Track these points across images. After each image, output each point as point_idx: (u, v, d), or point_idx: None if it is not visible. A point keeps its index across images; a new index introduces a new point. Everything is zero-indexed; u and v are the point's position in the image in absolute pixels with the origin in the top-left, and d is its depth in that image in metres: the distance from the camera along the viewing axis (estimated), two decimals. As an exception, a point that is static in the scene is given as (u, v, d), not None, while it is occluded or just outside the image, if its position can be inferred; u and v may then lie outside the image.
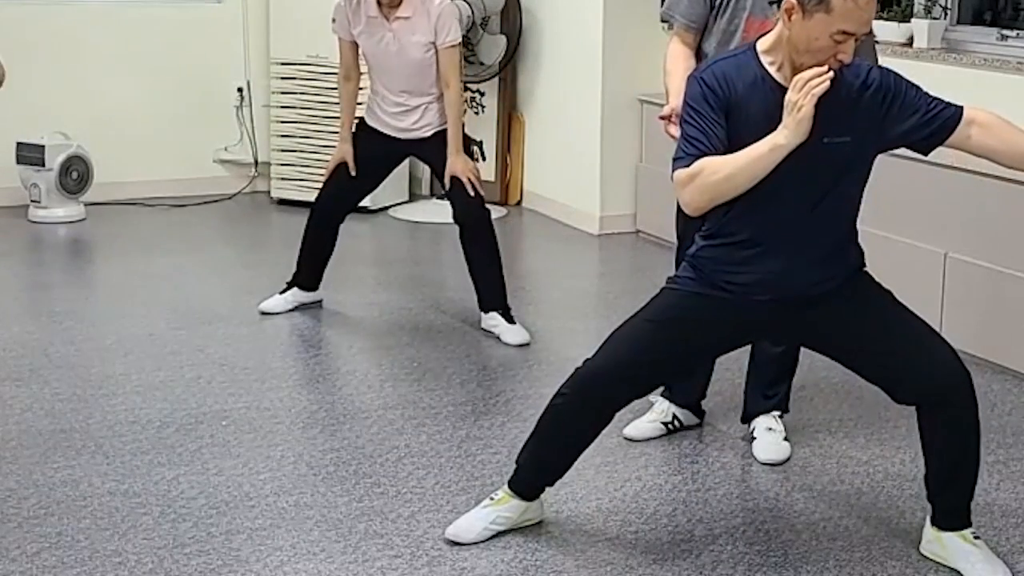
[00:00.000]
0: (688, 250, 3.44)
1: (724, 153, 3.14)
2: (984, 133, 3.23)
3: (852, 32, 3.06)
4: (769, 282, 3.27)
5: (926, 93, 3.26)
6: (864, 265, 3.40)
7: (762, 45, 3.22)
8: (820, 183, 3.20)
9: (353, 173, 5.35)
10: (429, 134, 5.26)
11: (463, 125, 5.34)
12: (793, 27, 3.09)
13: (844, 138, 3.17)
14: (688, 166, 3.15)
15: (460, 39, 5.16)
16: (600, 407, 3.44)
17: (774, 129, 3.09)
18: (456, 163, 5.17)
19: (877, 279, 3.39)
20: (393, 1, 5.11)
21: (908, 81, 3.26)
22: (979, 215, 4.99)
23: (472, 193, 5.18)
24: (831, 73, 3.05)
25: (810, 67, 3.08)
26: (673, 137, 4.01)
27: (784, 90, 3.11)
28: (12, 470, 3.96)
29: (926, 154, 3.32)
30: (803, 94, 3.03)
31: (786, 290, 3.28)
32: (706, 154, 3.14)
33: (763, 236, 3.25)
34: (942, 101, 3.26)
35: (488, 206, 5.35)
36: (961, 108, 3.25)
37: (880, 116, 3.21)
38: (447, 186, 5.22)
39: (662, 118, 4.03)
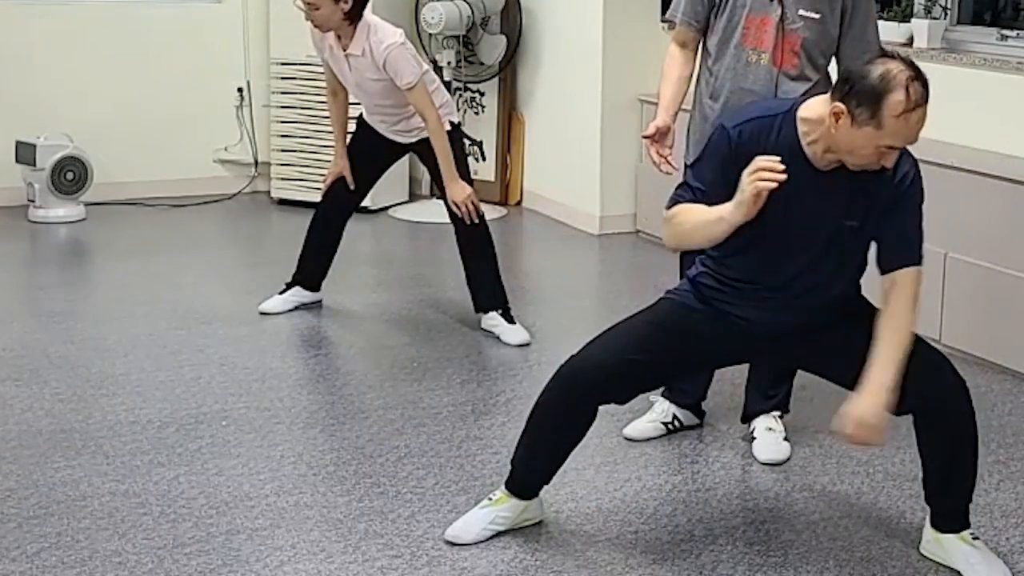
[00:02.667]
0: (689, 270, 3.47)
1: (711, 205, 3.19)
2: (886, 301, 3.19)
3: (898, 147, 3.06)
4: (760, 320, 3.32)
5: (918, 224, 3.23)
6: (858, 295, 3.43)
7: (804, 111, 3.18)
8: (827, 256, 3.24)
9: (352, 187, 5.37)
10: (417, 139, 5.26)
11: (461, 136, 5.32)
12: (839, 130, 3.06)
13: (854, 222, 3.20)
14: (670, 208, 3.26)
15: (417, 79, 4.99)
16: (581, 402, 3.43)
17: (792, 196, 3.09)
18: (453, 192, 5.12)
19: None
20: (342, 41, 5.07)
21: (920, 200, 3.22)
22: (979, 215, 4.99)
23: (469, 222, 5.16)
24: (782, 177, 3.02)
25: (847, 163, 3.10)
26: (656, 162, 4.03)
27: (808, 165, 3.13)
28: (12, 470, 3.96)
29: (878, 268, 3.29)
30: (752, 180, 3.03)
31: (778, 327, 3.32)
32: (690, 202, 3.22)
33: (761, 286, 3.30)
34: (912, 244, 3.21)
35: (485, 210, 5.33)
36: (905, 265, 3.19)
37: (884, 212, 3.21)
38: (449, 210, 5.20)
39: (646, 137, 4.03)
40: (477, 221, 5.18)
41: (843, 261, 3.28)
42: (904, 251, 3.22)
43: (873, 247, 3.28)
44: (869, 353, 3.31)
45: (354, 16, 4.99)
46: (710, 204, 3.18)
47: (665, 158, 4.02)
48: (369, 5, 5.06)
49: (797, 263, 3.24)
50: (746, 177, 3.05)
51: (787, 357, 3.54)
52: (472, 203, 5.13)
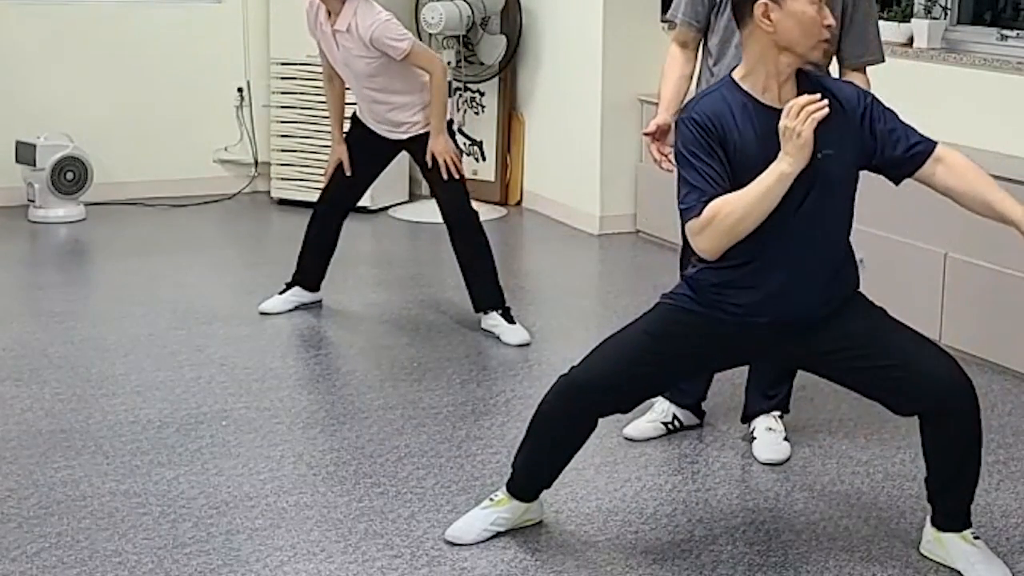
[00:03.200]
0: (686, 269, 3.45)
1: (728, 190, 3.15)
2: (949, 173, 3.27)
3: None
4: (767, 303, 3.27)
5: (903, 122, 3.29)
6: (858, 286, 3.40)
7: (738, 74, 3.24)
8: (811, 195, 3.20)
9: (348, 173, 5.37)
10: (406, 137, 5.26)
11: (449, 117, 5.30)
12: (778, 25, 3.12)
13: (830, 150, 3.18)
14: (699, 215, 3.15)
15: (410, 44, 5.05)
16: (582, 415, 3.43)
17: (771, 152, 3.10)
18: (436, 143, 5.14)
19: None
20: (331, 17, 5.09)
21: (886, 107, 3.29)
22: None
23: (447, 176, 5.16)
24: (826, 101, 3.06)
25: (807, 54, 3.14)
26: (658, 160, 4.02)
27: (774, 112, 3.13)
28: (12, 470, 3.96)
29: (897, 183, 3.35)
30: (800, 120, 3.05)
31: (784, 312, 3.28)
32: (712, 197, 3.14)
33: (757, 252, 3.23)
34: (916, 132, 3.29)
35: (476, 205, 5.34)
36: (935, 144, 3.28)
37: (862, 136, 3.23)
38: (428, 165, 5.20)
39: (647, 134, 4.02)
40: (457, 176, 5.17)
41: (831, 197, 3.24)
42: (921, 141, 3.27)
43: (880, 170, 3.31)
44: (869, 353, 3.29)
45: None
46: (728, 188, 3.14)
47: (665, 156, 4.02)
48: None
49: (786, 210, 3.17)
50: (791, 122, 3.05)
51: (788, 355, 3.51)
52: (451, 159, 5.15)
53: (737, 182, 3.14)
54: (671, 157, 4.02)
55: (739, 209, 3.12)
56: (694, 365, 3.53)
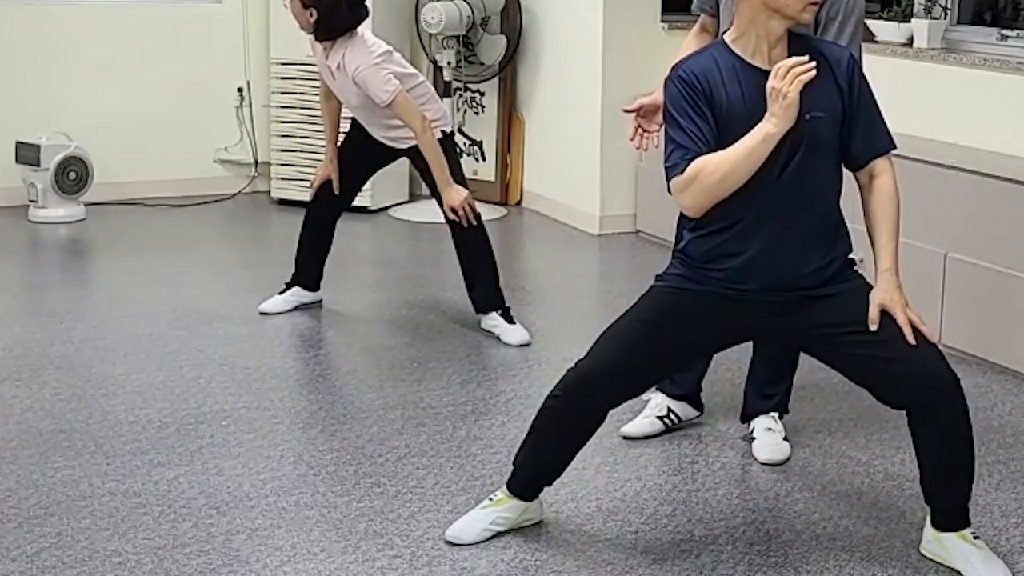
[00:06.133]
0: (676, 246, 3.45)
1: (714, 149, 3.17)
2: (874, 187, 3.33)
3: None
4: (755, 267, 3.26)
5: (879, 107, 3.33)
6: (851, 257, 3.38)
7: (730, 36, 3.27)
8: (797, 157, 3.22)
9: (337, 192, 5.37)
10: (407, 146, 5.25)
11: (450, 129, 5.29)
12: None
13: (820, 113, 3.21)
14: (683, 172, 3.18)
15: (391, 95, 4.97)
16: (593, 408, 3.44)
17: (758, 113, 3.13)
18: (449, 198, 5.11)
19: (871, 281, 3.37)
20: (325, 49, 5.09)
21: (869, 85, 3.33)
22: (979, 215, 4.99)
23: (466, 225, 5.16)
24: (813, 63, 3.10)
25: (797, 16, 3.16)
26: (631, 136, 3.99)
27: (763, 73, 3.16)
28: (12, 470, 3.96)
29: (851, 168, 3.36)
30: (787, 81, 3.09)
31: (770, 277, 3.27)
32: (697, 155, 3.17)
33: (743, 214, 3.24)
34: (884, 126, 3.33)
35: (484, 210, 5.32)
36: (885, 149, 3.33)
37: (843, 98, 3.26)
38: (446, 217, 5.19)
39: (628, 111, 3.98)
40: (475, 223, 5.18)
41: (817, 160, 3.25)
42: (877, 137, 3.32)
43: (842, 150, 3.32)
44: (863, 340, 3.27)
45: (320, 36, 5.04)
46: (715, 147, 3.16)
47: (641, 132, 3.96)
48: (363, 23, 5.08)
49: (773, 174, 3.18)
50: (778, 83, 3.08)
51: (783, 331, 3.44)
52: (469, 206, 5.13)
53: (723, 142, 3.17)
54: (652, 138, 3.98)
55: (723, 167, 3.15)
56: (695, 345, 3.51)
